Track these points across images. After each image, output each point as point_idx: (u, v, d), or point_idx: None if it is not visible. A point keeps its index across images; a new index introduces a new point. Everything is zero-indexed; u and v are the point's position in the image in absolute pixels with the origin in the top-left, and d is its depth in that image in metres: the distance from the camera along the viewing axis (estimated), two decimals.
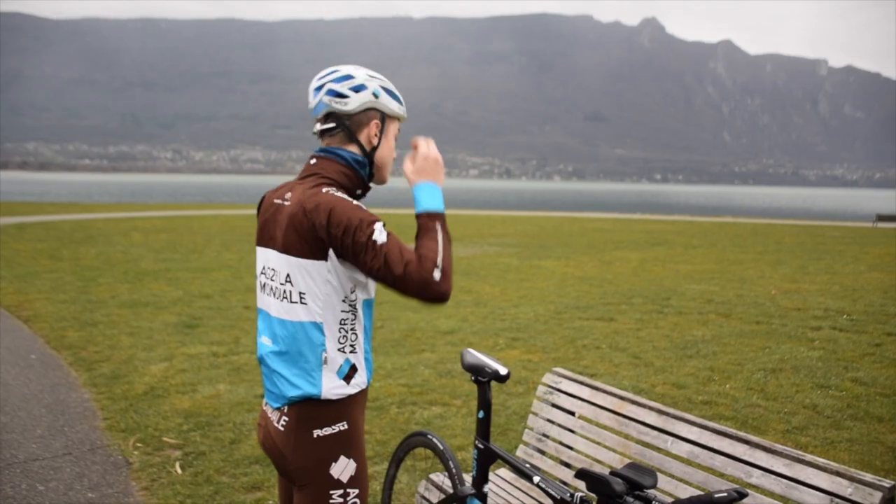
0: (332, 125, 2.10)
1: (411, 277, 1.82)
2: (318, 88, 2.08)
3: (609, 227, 31.76)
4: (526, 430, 3.44)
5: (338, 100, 2.06)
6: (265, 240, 2.13)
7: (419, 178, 2.04)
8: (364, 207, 1.95)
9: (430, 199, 2.00)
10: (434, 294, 1.84)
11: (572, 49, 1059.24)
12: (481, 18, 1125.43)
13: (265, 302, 2.14)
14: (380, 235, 1.86)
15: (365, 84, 2.08)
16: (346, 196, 1.97)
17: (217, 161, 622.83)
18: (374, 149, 2.12)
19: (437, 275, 1.83)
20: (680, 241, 23.84)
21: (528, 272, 14.91)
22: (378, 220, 1.89)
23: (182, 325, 8.91)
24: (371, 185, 2.19)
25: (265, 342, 2.11)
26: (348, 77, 2.07)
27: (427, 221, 1.96)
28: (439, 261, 1.86)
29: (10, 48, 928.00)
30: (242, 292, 11.51)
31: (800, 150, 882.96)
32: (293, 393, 2.00)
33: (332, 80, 2.08)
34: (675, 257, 18.32)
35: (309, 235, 1.93)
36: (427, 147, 2.08)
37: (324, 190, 1.98)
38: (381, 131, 2.12)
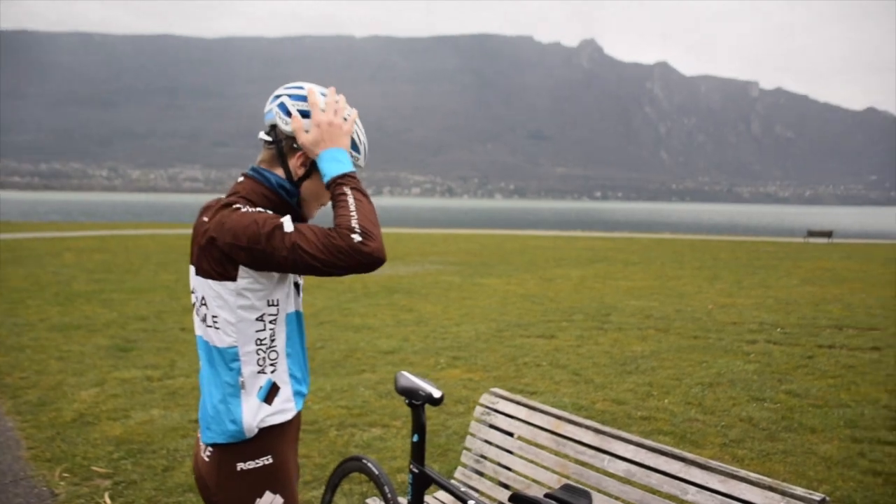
0: (269, 139, 1.96)
1: (332, 253, 1.71)
2: (276, 97, 1.95)
3: (550, 245, 32.10)
4: (464, 452, 3.39)
5: (283, 116, 1.92)
6: (191, 258, 2.00)
7: (319, 148, 1.89)
8: (266, 211, 1.84)
9: (334, 165, 1.86)
10: (363, 260, 1.72)
11: (514, 69, 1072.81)
12: (423, 38, 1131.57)
13: (195, 322, 2.04)
14: (288, 227, 1.75)
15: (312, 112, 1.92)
16: (252, 209, 1.85)
17: (155, 180, 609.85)
18: (302, 179, 1.97)
19: (356, 238, 1.72)
20: (619, 258, 24.23)
21: (470, 290, 14.93)
22: (283, 216, 1.79)
23: (115, 348, 8.63)
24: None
25: (202, 364, 2.02)
26: (303, 98, 1.93)
27: (336, 189, 1.83)
28: (354, 224, 1.74)
29: None
30: (179, 314, 11.22)
31: (734, 169, 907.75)
32: (208, 440, 1.95)
33: (288, 95, 1.93)
34: (615, 274, 18.59)
35: (217, 256, 1.83)
36: (323, 113, 1.90)
37: (234, 207, 1.86)
38: (308, 168, 1.96)
